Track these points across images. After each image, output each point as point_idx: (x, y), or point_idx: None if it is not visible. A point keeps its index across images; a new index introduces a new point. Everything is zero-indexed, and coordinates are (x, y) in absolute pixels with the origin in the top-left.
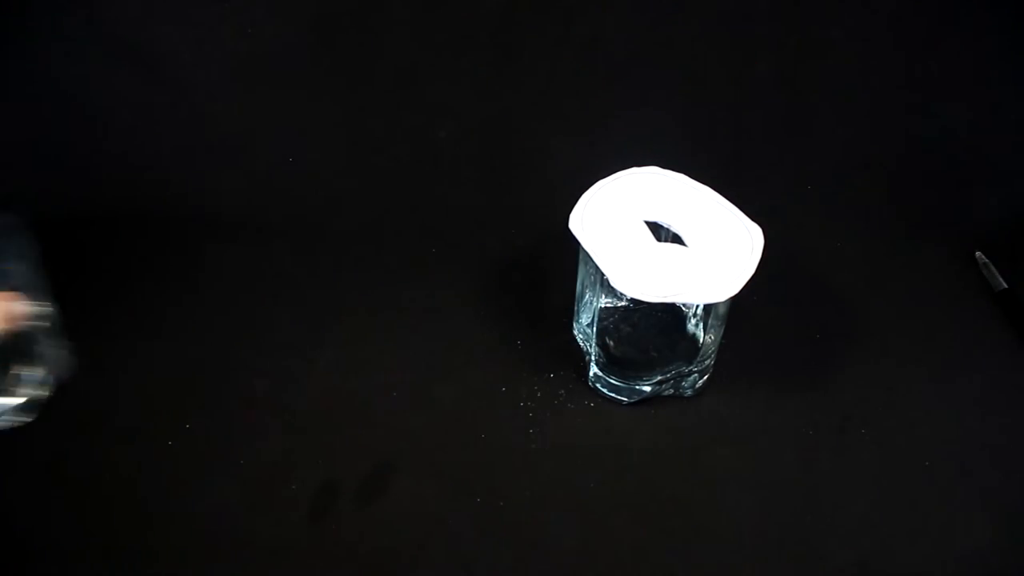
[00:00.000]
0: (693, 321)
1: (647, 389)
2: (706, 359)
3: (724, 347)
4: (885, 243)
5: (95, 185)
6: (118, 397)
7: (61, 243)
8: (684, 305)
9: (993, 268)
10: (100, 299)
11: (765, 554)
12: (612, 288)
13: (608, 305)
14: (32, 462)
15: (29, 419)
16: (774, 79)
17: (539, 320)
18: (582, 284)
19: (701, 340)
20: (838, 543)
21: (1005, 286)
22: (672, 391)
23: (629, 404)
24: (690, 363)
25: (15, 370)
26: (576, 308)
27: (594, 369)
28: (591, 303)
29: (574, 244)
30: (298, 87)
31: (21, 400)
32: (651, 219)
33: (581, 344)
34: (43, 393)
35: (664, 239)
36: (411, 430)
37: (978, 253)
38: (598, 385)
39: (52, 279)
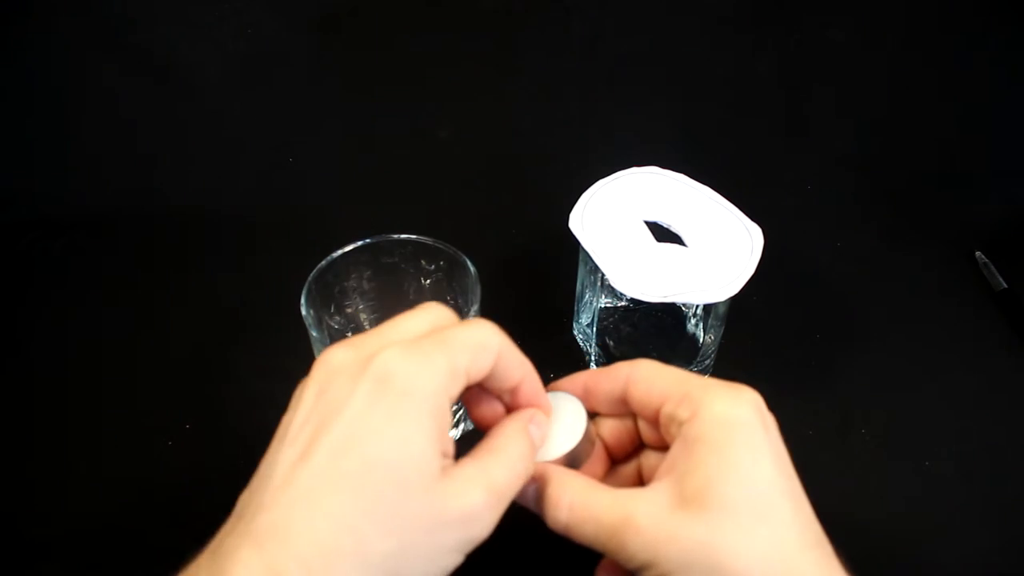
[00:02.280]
0: (693, 321)
1: None
2: (706, 359)
3: (724, 347)
4: (885, 243)
5: (95, 185)
6: (117, 397)
7: (61, 243)
8: (684, 305)
9: (993, 268)
10: (99, 299)
11: None
12: (612, 288)
13: (608, 305)
14: (32, 461)
15: None
16: (774, 79)
17: (539, 320)
18: (582, 284)
19: (701, 340)
20: (838, 543)
21: (1005, 286)
22: None
23: None
24: (690, 363)
25: None
26: (576, 308)
27: (594, 369)
28: (591, 303)
29: (574, 244)
30: (298, 87)
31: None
32: (651, 219)
33: (581, 344)
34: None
35: (664, 239)
36: None
37: (978, 253)
38: None
39: (51, 279)
